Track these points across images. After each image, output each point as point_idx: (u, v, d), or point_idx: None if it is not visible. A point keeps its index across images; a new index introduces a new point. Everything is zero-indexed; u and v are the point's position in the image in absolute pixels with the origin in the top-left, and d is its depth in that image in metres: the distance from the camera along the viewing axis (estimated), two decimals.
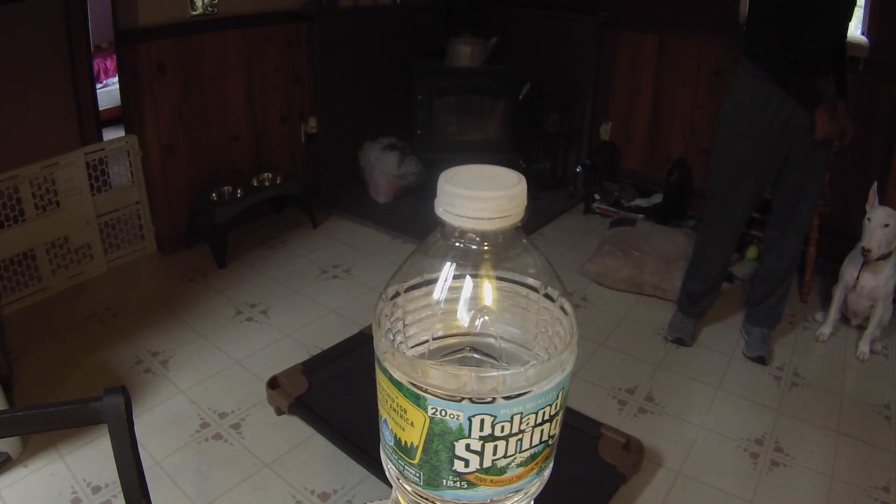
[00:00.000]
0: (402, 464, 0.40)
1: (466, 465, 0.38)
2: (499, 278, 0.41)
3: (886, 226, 2.15)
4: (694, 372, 2.20)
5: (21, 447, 1.74)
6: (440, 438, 0.38)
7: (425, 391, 0.37)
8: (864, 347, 2.28)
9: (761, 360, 2.23)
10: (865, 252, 2.17)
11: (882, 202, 2.21)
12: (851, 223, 2.88)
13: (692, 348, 2.33)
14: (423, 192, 3.44)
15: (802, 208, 2.10)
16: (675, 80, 3.25)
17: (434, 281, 0.40)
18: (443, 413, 0.37)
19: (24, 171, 2.38)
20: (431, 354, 0.40)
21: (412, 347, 0.40)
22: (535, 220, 3.29)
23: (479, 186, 0.37)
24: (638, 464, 1.69)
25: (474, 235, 0.38)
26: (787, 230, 2.14)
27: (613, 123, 3.55)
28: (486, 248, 0.39)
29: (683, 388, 2.12)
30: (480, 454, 0.38)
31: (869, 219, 2.18)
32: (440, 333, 0.41)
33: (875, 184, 2.24)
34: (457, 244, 0.39)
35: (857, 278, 2.25)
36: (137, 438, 0.84)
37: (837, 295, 2.35)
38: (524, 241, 0.40)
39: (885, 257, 2.20)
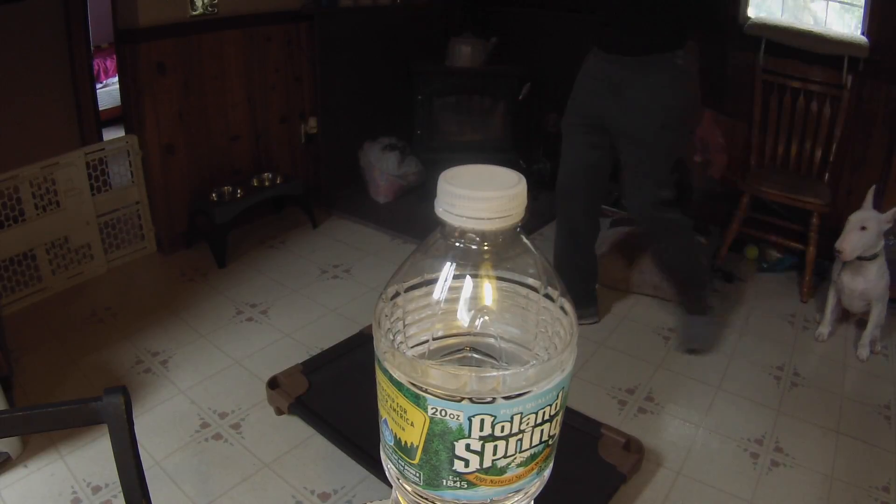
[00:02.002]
0: (402, 464, 0.40)
1: (466, 465, 0.38)
2: (499, 278, 0.41)
3: (864, 228, 2.11)
4: (694, 372, 2.20)
5: (21, 447, 1.74)
6: (440, 438, 0.38)
7: (425, 391, 0.37)
8: (864, 350, 2.28)
9: (694, 352, 2.21)
10: (837, 252, 2.17)
11: (882, 204, 2.20)
12: None
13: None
14: (423, 192, 3.44)
15: (645, 178, 2.02)
16: None
17: (434, 281, 0.40)
18: (443, 413, 0.37)
19: (24, 171, 2.38)
20: (431, 354, 0.40)
21: (412, 347, 0.40)
22: (535, 220, 3.29)
23: (479, 186, 0.37)
24: (638, 464, 1.69)
25: (474, 235, 0.38)
26: (640, 197, 2.05)
27: None
28: (486, 248, 0.39)
29: (683, 388, 2.12)
30: (480, 454, 0.38)
31: (849, 219, 2.17)
32: (440, 333, 0.41)
33: (874, 187, 2.23)
34: (457, 244, 0.39)
35: (836, 280, 2.25)
36: (137, 438, 0.84)
37: (830, 295, 2.35)
38: (524, 241, 0.40)
39: (870, 258, 2.18)
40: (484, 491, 0.39)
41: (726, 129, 2.00)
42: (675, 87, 1.92)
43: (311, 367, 2.00)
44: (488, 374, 0.37)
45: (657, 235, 2.16)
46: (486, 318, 0.41)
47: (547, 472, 0.43)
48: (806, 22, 2.93)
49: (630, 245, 2.74)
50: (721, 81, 2.01)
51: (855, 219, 2.15)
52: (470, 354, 0.41)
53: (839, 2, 2.87)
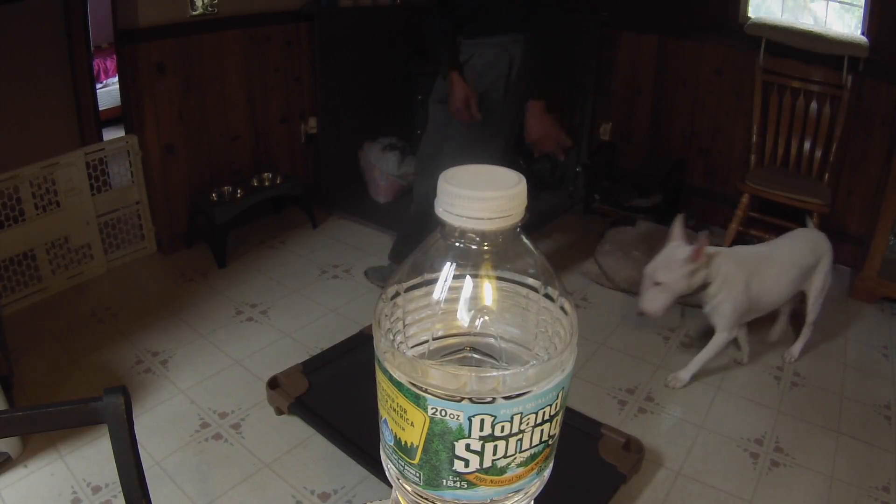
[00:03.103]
0: (402, 464, 0.40)
1: (466, 465, 0.38)
2: (499, 278, 0.41)
3: (658, 284, 1.89)
4: None
5: (21, 447, 1.74)
6: (440, 438, 0.38)
7: (425, 391, 0.37)
8: (683, 375, 2.08)
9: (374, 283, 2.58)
10: (639, 314, 1.92)
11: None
12: (851, 224, 2.88)
13: (693, 348, 2.33)
14: None
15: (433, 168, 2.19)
16: (675, 80, 3.25)
17: (434, 281, 0.40)
18: (443, 413, 0.37)
19: (24, 171, 2.38)
20: (431, 354, 0.40)
21: (412, 347, 0.40)
22: (535, 220, 3.28)
23: (479, 186, 0.37)
24: (638, 464, 1.69)
25: (474, 235, 0.38)
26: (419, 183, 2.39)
27: (613, 123, 3.54)
28: (486, 248, 0.39)
29: (683, 388, 2.12)
30: (480, 454, 0.38)
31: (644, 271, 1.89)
32: (440, 333, 0.41)
33: (681, 215, 1.98)
34: (457, 244, 0.39)
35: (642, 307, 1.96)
36: (137, 438, 0.84)
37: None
38: (524, 241, 0.40)
39: (703, 287, 1.92)
40: (484, 491, 0.39)
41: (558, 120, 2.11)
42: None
43: (311, 367, 2.00)
44: (488, 374, 0.37)
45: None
46: (486, 318, 0.41)
47: (547, 472, 0.43)
48: (806, 22, 2.93)
49: (630, 245, 2.74)
50: (534, 75, 2.14)
51: (646, 273, 1.91)
52: (470, 354, 0.41)
53: (839, 2, 2.87)
